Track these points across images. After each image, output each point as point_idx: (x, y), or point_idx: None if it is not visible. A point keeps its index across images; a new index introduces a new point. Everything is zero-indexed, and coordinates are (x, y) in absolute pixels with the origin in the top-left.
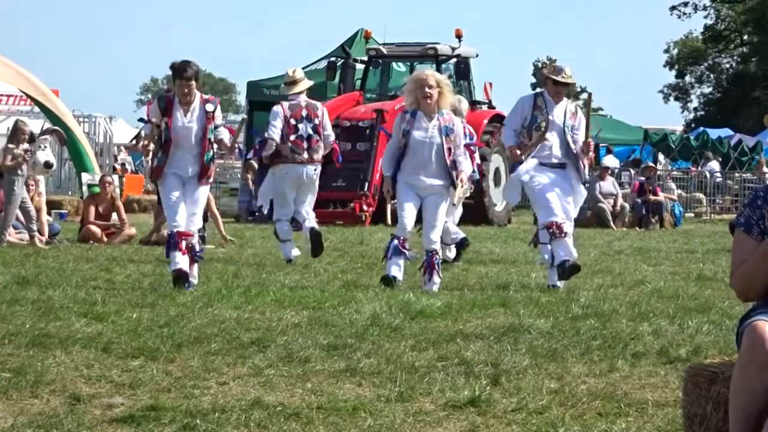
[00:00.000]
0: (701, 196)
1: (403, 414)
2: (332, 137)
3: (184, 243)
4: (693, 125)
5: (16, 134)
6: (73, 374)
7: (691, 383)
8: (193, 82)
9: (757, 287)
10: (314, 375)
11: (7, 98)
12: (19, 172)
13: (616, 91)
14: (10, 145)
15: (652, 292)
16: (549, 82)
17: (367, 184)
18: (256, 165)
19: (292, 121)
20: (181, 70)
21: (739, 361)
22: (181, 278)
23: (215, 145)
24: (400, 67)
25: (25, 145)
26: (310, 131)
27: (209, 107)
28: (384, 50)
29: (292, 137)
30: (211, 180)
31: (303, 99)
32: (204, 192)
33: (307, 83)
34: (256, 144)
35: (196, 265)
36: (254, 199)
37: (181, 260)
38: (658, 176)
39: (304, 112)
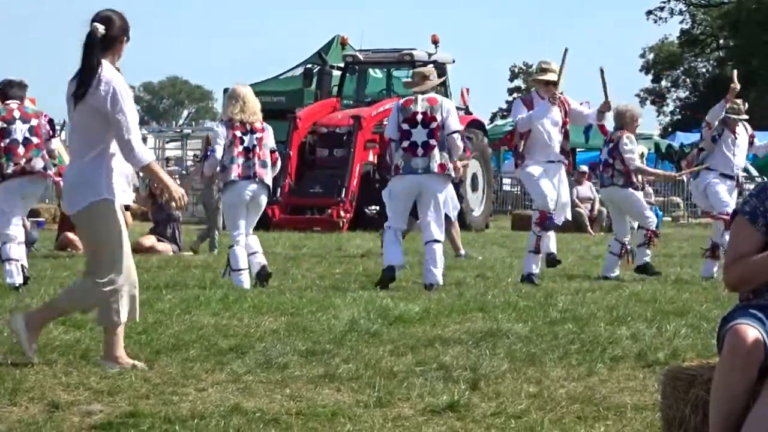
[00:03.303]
0: (679, 200)
1: (382, 419)
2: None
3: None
4: (669, 129)
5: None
6: (51, 381)
7: (670, 386)
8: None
9: (754, 285)
10: (293, 381)
11: None
12: (216, 180)
13: (593, 96)
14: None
15: (630, 295)
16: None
17: (344, 190)
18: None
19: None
20: None
21: (721, 365)
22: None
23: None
24: (376, 73)
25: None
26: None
27: None
28: (360, 56)
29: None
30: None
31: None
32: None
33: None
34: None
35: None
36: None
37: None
38: None
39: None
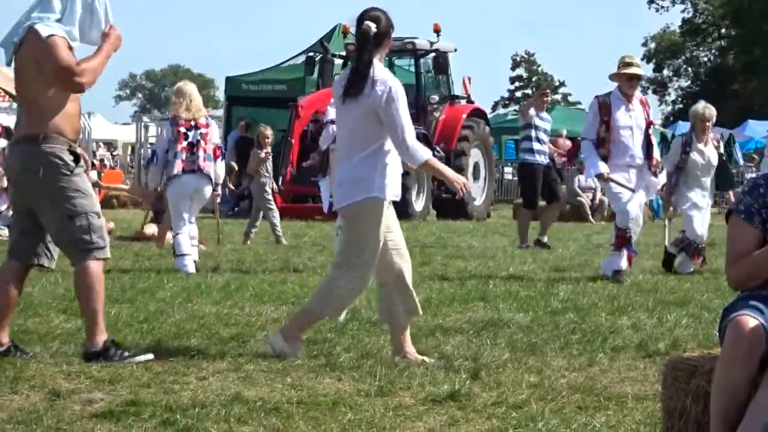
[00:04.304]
0: None
1: (383, 408)
2: None
3: None
4: (671, 119)
5: (258, 139)
6: (52, 370)
7: (671, 377)
8: None
9: (759, 281)
10: (294, 370)
11: None
12: (266, 173)
13: (595, 85)
14: (258, 150)
15: (631, 285)
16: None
17: None
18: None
19: None
20: None
21: (723, 357)
22: None
23: None
24: None
25: (268, 149)
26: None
27: None
28: None
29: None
30: None
31: None
32: None
33: None
34: None
35: None
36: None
37: None
38: None
39: None
